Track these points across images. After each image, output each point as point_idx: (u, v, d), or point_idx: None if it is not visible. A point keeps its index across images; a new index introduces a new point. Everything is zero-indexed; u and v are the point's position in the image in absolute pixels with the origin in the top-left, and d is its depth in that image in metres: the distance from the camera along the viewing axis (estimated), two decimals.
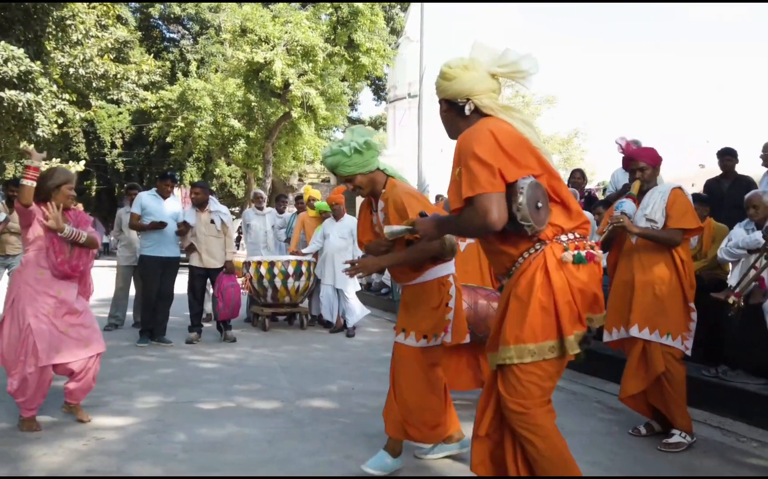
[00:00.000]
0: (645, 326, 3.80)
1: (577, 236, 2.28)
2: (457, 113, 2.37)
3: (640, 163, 3.98)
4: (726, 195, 6.31)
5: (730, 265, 5.32)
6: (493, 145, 2.15)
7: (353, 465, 3.38)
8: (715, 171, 6.85)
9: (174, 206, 7.22)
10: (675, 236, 3.80)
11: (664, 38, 60.18)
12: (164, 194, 7.12)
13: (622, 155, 4.14)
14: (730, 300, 3.14)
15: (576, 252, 2.23)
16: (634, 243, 3.94)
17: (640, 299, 3.85)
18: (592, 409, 4.69)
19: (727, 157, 6.50)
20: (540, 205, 2.17)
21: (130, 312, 8.28)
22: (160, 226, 6.87)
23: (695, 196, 5.82)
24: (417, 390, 3.20)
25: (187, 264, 7.27)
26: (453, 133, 2.42)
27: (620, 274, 4.03)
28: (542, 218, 2.20)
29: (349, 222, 8.11)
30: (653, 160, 4.00)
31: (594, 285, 2.29)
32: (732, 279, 5.23)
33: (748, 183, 6.24)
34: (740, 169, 6.65)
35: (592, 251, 2.28)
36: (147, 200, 7.02)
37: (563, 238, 2.25)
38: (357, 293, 8.29)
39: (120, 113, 28.12)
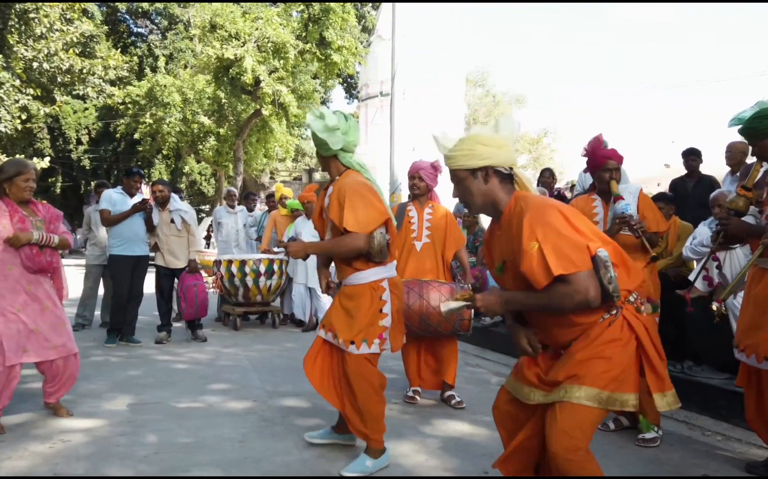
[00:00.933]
0: None
1: (637, 295, 2.29)
2: (497, 179, 2.32)
3: (615, 164, 4.01)
4: (691, 194, 6.46)
5: (695, 263, 5.45)
6: (566, 220, 2.16)
7: (326, 464, 3.38)
8: (680, 170, 7.01)
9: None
10: (658, 239, 4.05)
11: (632, 38, 61.31)
12: (131, 191, 6.99)
13: (590, 153, 4.10)
14: (714, 307, 3.21)
15: (648, 304, 2.29)
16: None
17: None
18: None
19: (692, 157, 6.65)
20: (616, 273, 2.17)
21: (97, 312, 8.13)
22: (142, 204, 6.77)
23: (661, 195, 5.94)
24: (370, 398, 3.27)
25: (153, 263, 7.16)
26: (481, 200, 2.35)
27: None
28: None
29: None
30: (621, 160, 4.07)
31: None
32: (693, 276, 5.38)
33: (711, 182, 6.41)
34: (704, 168, 6.82)
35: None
36: (114, 198, 6.88)
37: (631, 299, 2.27)
38: None
39: (86, 109, 27.51)
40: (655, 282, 3.97)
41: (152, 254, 7.12)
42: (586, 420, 2.17)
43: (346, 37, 18.02)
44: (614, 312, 2.22)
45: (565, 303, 2.12)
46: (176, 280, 7.27)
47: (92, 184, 22.14)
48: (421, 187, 4.70)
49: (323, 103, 27.30)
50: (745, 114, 3.24)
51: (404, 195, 12.71)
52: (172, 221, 7.04)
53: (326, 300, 8.06)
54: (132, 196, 6.95)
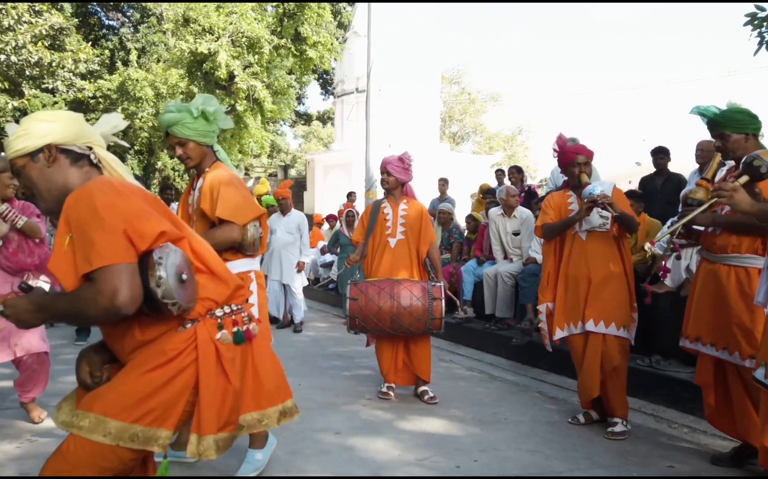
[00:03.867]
0: (600, 319, 3.87)
1: (234, 308, 1.95)
2: (72, 161, 1.86)
3: (584, 158, 4.06)
4: (659, 191, 6.59)
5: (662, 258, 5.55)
6: (116, 202, 1.70)
7: (300, 461, 3.37)
8: (651, 168, 7.13)
9: None
10: (636, 222, 4.10)
11: (608, 37, 62.16)
12: None
13: (559, 151, 4.17)
14: (646, 247, 3.31)
15: (236, 329, 1.91)
16: (584, 239, 4.01)
17: (596, 293, 3.90)
18: (533, 399, 4.82)
19: (660, 155, 6.78)
20: (185, 277, 1.76)
21: None
22: None
23: (631, 192, 6.05)
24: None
25: None
26: (47, 190, 1.85)
27: (572, 270, 4.04)
28: (190, 294, 1.79)
29: (296, 217, 8.06)
30: (591, 155, 4.13)
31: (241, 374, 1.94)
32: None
33: (679, 180, 6.54)
34: (676, 166, 6.95)
35: (251, 329, 1.98)
36: None
37: (218, 312, 1.89)
38: (303, 289, 8.25)
39: (55, 103, 26.92)
40: (633, 275, 4.09)
41: None
42: (89, 458, 1.73)
43: (322, 33, 17.94)
44: (188, 325, 1.83)
45: (89, 309, 1.65)
46: None
47: None
48: (390, 181, 4.67)
49: (298, 99, 27.20)
50: (710, 108, 3.33)
51: (380, 192, 12.72)
52: None
53: (301, 298, 8.04)
54: None
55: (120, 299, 1.63)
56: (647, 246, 3.31)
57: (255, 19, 17.51)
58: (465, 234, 8.42)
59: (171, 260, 1.72)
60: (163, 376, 1.76)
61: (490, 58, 59.06)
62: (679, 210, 5.05)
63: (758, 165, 2.59)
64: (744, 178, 2.64)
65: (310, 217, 12.01)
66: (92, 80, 19.92)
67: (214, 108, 3.15)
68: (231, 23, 17.31)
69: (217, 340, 1.84)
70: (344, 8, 26.00)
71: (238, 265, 3.17)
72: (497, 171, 9.80)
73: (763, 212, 2.57)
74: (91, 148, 1.90)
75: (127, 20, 29.03)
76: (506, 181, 8.58)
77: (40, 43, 15.93)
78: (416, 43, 21.66)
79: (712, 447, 3.71)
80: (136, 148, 23.42)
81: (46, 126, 1.84)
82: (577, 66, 61.40)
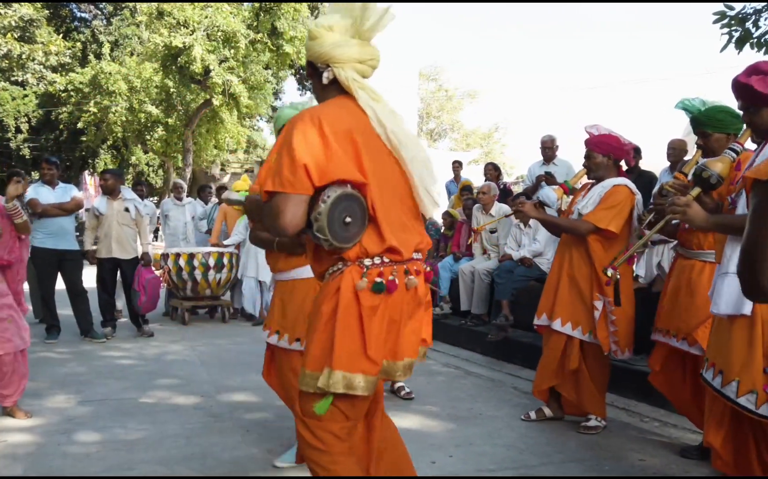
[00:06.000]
0: (567, 321, 3.83)
1: (385, 261, 1.98)
2: (318, 80, 2.06)
3: (587, 151, 3.85)
4: None
5: (636, 256, 5.64)
6: (309, 138, 1.86)
7: (277, 459, 3.36)
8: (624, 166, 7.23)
9: (65, 197, 6.60)
10: (579, 226, 3.70)
11: (582, 36, 62.82)
12: (47, 181, 6.56)
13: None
14: (608, 273, 3.28)
15: (378, 280, 1.95)
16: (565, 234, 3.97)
17: (563, 293, 3.87)
18: (508, 395, 4.86)
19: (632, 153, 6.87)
20: (349, 220, 1.89)
21: (29, 307, 7.81)
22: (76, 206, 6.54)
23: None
24: None
25: (97, 256, 6.92)
26: (319, 102, 2.12)
27: (554, 263, 4.05)
28: (350, 235, 1.92)
29: None
30: (601, 148, 3.80)
31: (396, 321, 2.01)
32: (640, 270, 5.57)
33: (650, 178, 6.64)
34: (650, 165, 7.04)
35: (394, 280, 1.98)
36: (32, 194, 6.37)
37: (366, 261, 1.96)
38: None
39: (25, 96, 26.39)
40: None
41: (94, 247, 6.87)
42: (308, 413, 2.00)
43: (299, 27, 17.87)
44: (340, 266, 1.98)
45: (265, 219, 2.00)
46: (119, 273, 7.04)
47: (32, 174, 21.30)
48: None
49: (275, 94, 27.00)
50: (694, 102, 3.34)
51: None
52: (127, 210, 6.83)
53: None
54: (52, 186, 6.55)
55: (280, 221, 1.85)
56: (610, 272, 3.21)
57: (231, 13, 17.36)
58: (442, 230, 8.46)
59: (338, 201, 1.86)
60: (328, 336, 1.93)
61: (467, 55, 59.33)
62: (651, 203, 5.15)
63: (707, 176, 2.53)
64: (696, 190, 2.60)
65: None
66: (64, 73, 19.56)
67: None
68: (206, 17, 17.13)
69: (356, 286, 1.94)
70: (321, 3, 25.89)
71: (308, 270, 2.99)
72: (454, 162, 10.25)
73: (718, 227, 2.51)
74: (328, 66, 2.00)
75: (99, 12, 28.51)
76: (462, 174, 8.79)
77: (9, 35, 15.60)
78: (394, 39, 21.64)
79: (682, 440, 3.78)
80: (109, 142, 23.07)
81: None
82: (554, 64, 61.98)
